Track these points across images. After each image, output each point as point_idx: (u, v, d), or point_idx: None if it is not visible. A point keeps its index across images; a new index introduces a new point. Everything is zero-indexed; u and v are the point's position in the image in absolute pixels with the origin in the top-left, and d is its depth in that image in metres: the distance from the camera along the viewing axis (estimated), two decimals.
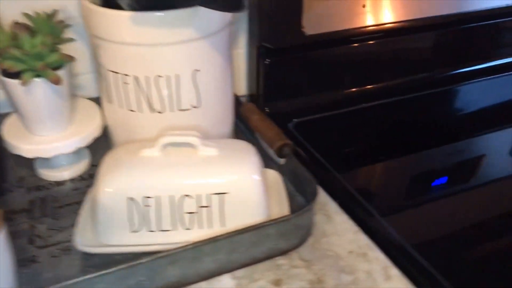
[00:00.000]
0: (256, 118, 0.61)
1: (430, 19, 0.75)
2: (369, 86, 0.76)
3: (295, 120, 0.70)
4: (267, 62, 0.69)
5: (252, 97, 0.75)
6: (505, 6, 0.83)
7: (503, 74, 0.87)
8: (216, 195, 0.47)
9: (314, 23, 0.66)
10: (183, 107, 0.53)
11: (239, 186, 0.47)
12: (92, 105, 0.60)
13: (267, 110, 0.72)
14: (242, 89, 0.76)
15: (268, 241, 0.47)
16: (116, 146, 0.58)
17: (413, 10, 0.73)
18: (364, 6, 0.68)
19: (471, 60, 0.85)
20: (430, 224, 0.58)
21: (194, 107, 0.54)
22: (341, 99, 0.75)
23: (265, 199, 0.49)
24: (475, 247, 0.55)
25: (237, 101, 0.67)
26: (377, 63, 0.76)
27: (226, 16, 0.53)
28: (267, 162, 0.57)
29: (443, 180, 0.66)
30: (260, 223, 0.46)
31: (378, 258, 0.49)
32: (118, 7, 0.50)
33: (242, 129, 0.66)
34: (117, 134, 0.58)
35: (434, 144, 0.71)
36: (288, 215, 0.47)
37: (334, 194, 0.57)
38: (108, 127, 0.59)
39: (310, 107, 0.73)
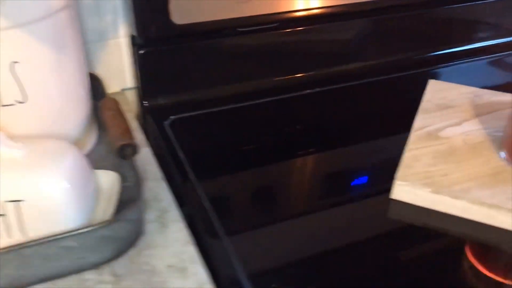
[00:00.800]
0: (109, 115, 0.56)
1: (324, 8, 0.70)
2: (261, 81, 0.71)
3: (172, 117, 0.65)
4: (141, 53, 0.64)
5: (135, 90, 0.70)
6: None
7: (428, 68, 0.82)
8: (11, 202, 0.42)
9: (185, 12, 0.61)
10: (5, 103, 0.48)
11: (38, 193, 0.42)
12: None
13: (146, 104, 0.67)
14: (129, 81, 0.71)
15: (70, 254, 0.43)
16: None
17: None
18: None
19: (386, 53, 0.80)
20: (297, 243, 0.50)
21: (20, 102, 0.49)
22: (228, 94, 0.69)
23: (77, 207, 0.44)
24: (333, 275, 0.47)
25: (103, 96, 0.62)
26: (271, 55, 0.71)
27: (49, 3, 0.47)
28: None
29: (339, 187, 0.59)
30: (51, 236, 0.41)
31: (196, 274, 0.44)
32: None
33: None
34: None
35: (336, 145, 0.65)
36: (89, 226, 0.43)
37: (185, 202, 0.53)
38: None
39: (193, 103, 0.67)
